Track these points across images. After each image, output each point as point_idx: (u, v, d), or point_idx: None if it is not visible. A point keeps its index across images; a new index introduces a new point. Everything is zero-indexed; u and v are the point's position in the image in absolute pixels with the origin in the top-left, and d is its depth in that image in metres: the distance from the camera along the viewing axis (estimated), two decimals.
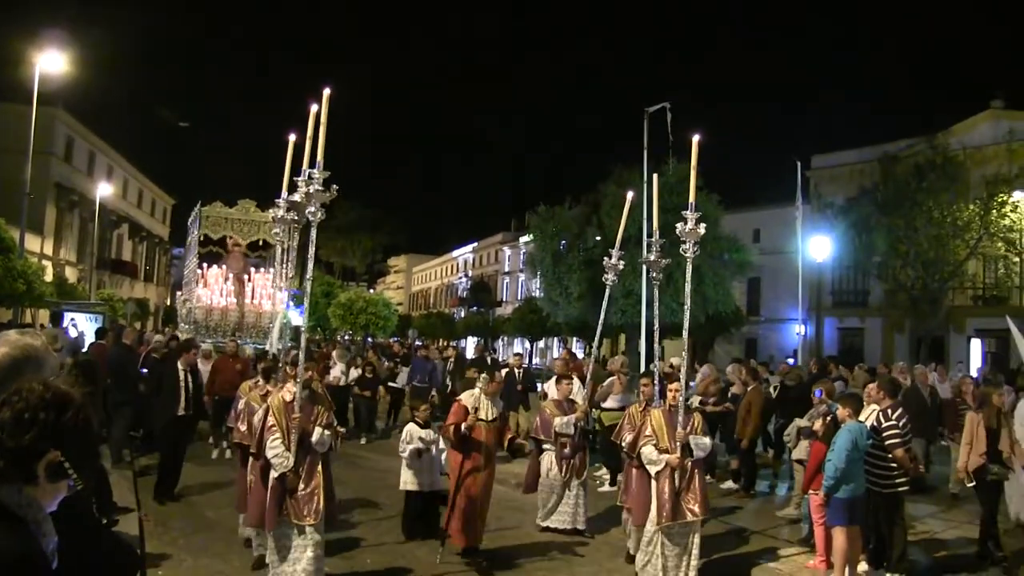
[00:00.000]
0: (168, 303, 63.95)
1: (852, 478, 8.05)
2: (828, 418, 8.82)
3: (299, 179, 7.14)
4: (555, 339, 53.58)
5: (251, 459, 8.09)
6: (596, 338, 11.54)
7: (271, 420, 7.27)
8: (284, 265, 9.17)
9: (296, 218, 8.86)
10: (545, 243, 36.60)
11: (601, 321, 11.03)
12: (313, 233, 7.16)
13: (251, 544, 8.39)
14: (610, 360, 17.16)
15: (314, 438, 7.24)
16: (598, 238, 34.33)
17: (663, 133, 24.15)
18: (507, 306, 72.38)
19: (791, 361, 27.01)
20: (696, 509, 7.75)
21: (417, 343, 40.87)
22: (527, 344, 57.64)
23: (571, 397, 10.66)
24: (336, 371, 17.27)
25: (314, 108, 7.03)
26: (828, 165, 42.14)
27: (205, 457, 13.85)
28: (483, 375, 9.06)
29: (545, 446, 10.33)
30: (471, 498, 8.56)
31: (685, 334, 8.33)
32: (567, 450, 10.08)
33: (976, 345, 37.11)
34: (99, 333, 17.72)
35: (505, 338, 61.95)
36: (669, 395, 8.28)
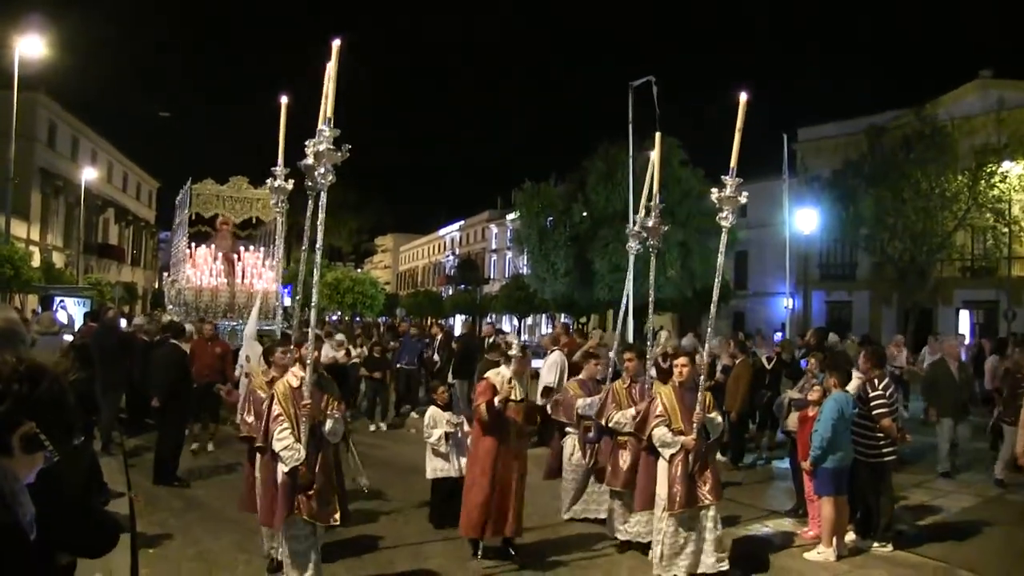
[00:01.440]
0: (156, 286, 63.72)
1: (839, 448, 8.10)
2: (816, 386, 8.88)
3: (308, 141, 6.42)
4: (543, 316, 53.70)
5: (258, 454, 7.37)
6: (621, 314, 10.76)
7: (277, 408, 6.55)
8: (281, 239, 8.51)
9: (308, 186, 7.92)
10: (531, 220, 36.69)
11: (628, 293, 10.37)
12: (323, 198, 6.51)
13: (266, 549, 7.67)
14: (589, 335, 16.92)
15: (327, 427, 6.58)
16: (584, 214, 34.37)
17: (649, 107, 24.12)
18: (494, 284, 72.39)
19: (778, 336, 27.09)
20: (709, 494, 7.37)
21: (403, 321, 40.78)
22: (515, 321, 57.67)
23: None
24: (327, 349, 15.99)
25: (329, 66, 6.46)
26: (814, 137, 42.10)
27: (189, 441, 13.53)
28: (511, 351, 8.20)
29: (568, 429, 9.58)
30: (501, 485, 7.73)
31: (713, 309, 7.85)
32: (591, 434, 9.16)
33: (964, 316, 37.27)
34: (90, 316, 17.65)
35: (493, 315, 61.95)
36: (676, 371, 7.79)
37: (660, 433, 7.48)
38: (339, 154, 6.31)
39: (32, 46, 26.44)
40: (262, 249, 21.18)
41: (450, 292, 76.10)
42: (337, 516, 6.58)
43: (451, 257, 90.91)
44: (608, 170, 33.00)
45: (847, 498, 8.39)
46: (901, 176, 31.06)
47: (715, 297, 7.82)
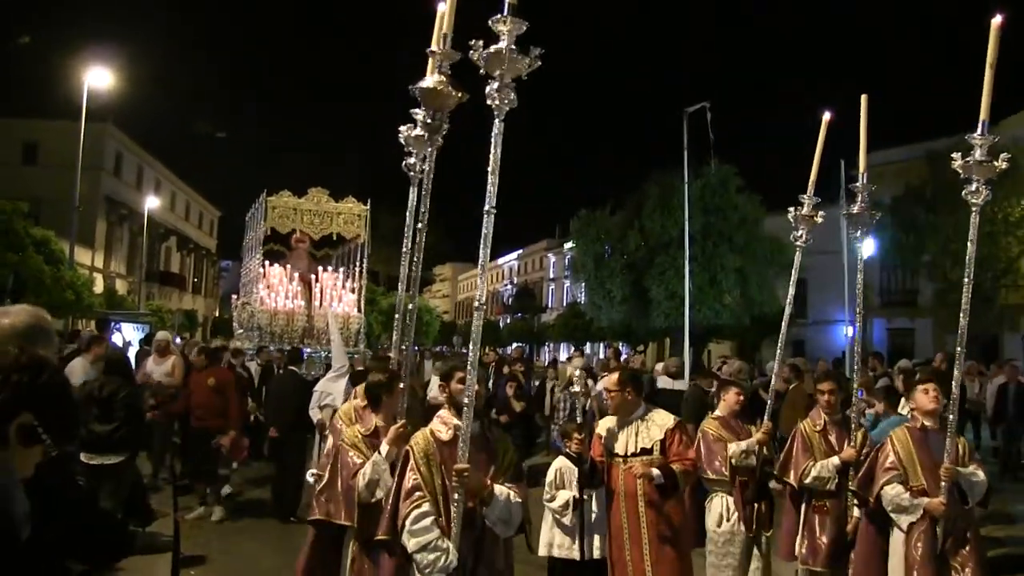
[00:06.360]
0: (217, 314, 64.77)
1: None
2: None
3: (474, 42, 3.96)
4: (600, 344, 53.47)
5: (354, 544, 5.05)
6: (783, 328, 7.03)
7: (412, 477, 4.21)
8: (420, 217, 5.30)
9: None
10: (587, 247, 36.67)
11: (790, 298, 7.31)
12: (498, 126, 4.11)
13: None
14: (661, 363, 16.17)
15: (492, 514, 4.23)
16: (642, 243, 34.24)
17: (704, 133, 24.05)
18: (552, 312, 72.40)
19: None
20: None
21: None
22: (572, 349, 57.61)
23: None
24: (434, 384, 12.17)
25: None
26: (874, 163, 41.13)
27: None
28: (615, 381, 5.98)
29: (716, 487, 6.76)
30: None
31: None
32: (749, 492, 6.66)
33: None
34: (146, 340, 17.82)
35: (551, 344, 61.86)
36: (927, 398, 5.63)
37: (894, 494, 5.44)
38: (526, 61, 3.96)
39: (99, 78, 27.25)
40: (341, 270, 20.30)
41: (508, 321, 76.25)
42: None
43: (509, 286, 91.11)
44: (663, 197, 32.88)
45: None
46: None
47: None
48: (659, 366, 15.29)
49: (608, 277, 35.30)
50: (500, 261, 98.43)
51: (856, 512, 6.06)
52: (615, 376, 6.01)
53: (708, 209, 31.83)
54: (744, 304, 32.72)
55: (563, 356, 49.07)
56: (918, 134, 37.46)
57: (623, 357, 18.95)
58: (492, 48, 3.90)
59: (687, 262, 24.96)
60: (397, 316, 5.67)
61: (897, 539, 5.47)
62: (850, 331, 31.61)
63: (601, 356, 43.87)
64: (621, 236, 35.30)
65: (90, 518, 2.65)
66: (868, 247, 30.26)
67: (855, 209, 6.38)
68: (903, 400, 8.81)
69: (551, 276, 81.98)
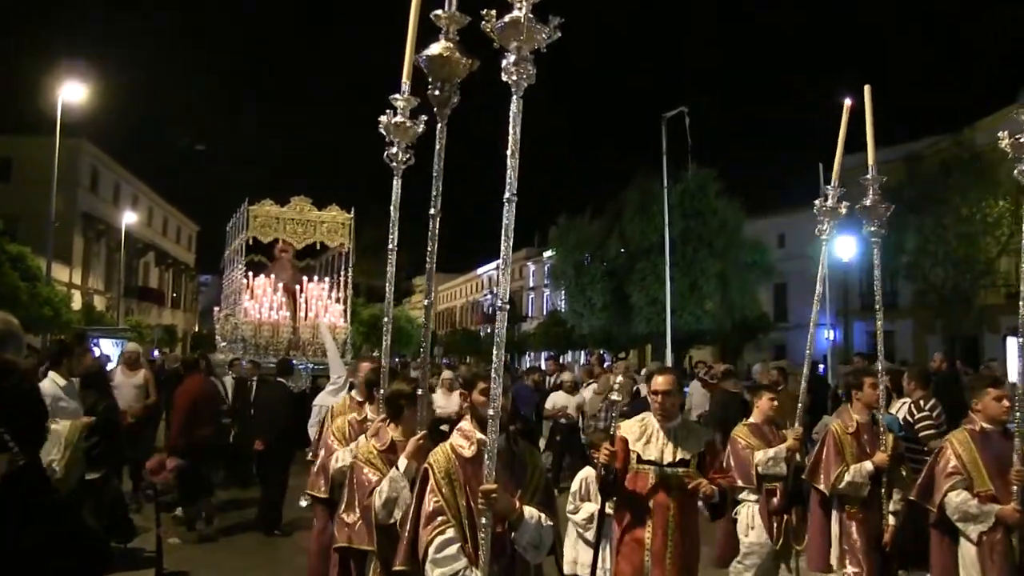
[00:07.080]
0: (196, 329, 64.33)
1: None
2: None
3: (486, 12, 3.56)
4: (581, 352, 53.48)
5: (374, 572, 4.57)
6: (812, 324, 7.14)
7: (432, 499, 3.70)
8: (433, 202, 4.82)
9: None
10: (567, 255, 36.69)
11: (822, 277, 7.27)
12: (516, 103, 3.71)
13: None
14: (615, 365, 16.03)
15: (522, 539, 3.71)
16: (622, 250, 34.26)
17: (682, 138, 24.14)
18: (532, 321, 72.42)
19: (820, 368, 26.69)
20: None
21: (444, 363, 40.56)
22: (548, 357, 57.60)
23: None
24: (437, 398, 11.99)
25: None
26: (852, 166, 41.55)
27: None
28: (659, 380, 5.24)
29: (742, 496, 6.56)
30: None
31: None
32: (777, 499, 6.43)
33: (1012, 344, 36.44)
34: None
35: (531, 353, 61.80)
36: (998, 406, 5.22)
37: (959, 500, 5.00)
38: (546, 33, 3.53)
39: (74, 92, 27.01)
40: (327, 280, 20.09)
41: (488, 330, 76.10)
42: None
43: (489, 296, 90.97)
44: (643, 203, 32.95)
45: None
46: (941, 202, 30.65)
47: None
48: (645, 372, 15.26)
49: (589, 284, 35.33)
50: (480, 271, 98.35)
51: (892, 520, 5.75)
52: (672, 377, 5.31)
53: (688, 214, 31.94)
54: (725, 309, 32.81)
55: (543, 365, 48.98)
56: (896, 136, 37.62)
57: (606, 364, 18.73)
58: (507, 17, 3.46)
59: (668, 268, 24.98)
60: (386, 320, 5.39)
61: (968, 552, 4.98)
62: (831, 334, 31.76)
63: (582, 363, 43.90)
64: (601, 243, 35.35)
65: (68, 530, 2.49)
66: (849, 249, 30.48)
67: (867, 202, 6.40)
68: (892, 398, 8.91)
69: (531, 285, 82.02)
